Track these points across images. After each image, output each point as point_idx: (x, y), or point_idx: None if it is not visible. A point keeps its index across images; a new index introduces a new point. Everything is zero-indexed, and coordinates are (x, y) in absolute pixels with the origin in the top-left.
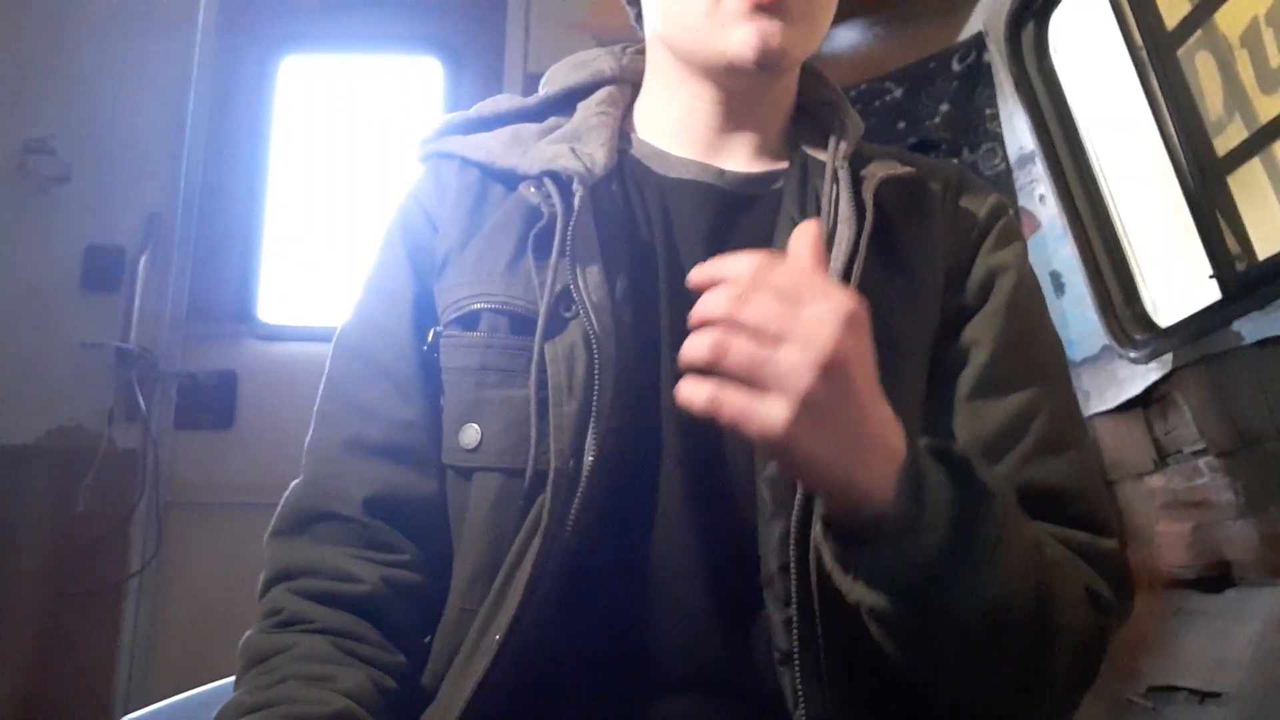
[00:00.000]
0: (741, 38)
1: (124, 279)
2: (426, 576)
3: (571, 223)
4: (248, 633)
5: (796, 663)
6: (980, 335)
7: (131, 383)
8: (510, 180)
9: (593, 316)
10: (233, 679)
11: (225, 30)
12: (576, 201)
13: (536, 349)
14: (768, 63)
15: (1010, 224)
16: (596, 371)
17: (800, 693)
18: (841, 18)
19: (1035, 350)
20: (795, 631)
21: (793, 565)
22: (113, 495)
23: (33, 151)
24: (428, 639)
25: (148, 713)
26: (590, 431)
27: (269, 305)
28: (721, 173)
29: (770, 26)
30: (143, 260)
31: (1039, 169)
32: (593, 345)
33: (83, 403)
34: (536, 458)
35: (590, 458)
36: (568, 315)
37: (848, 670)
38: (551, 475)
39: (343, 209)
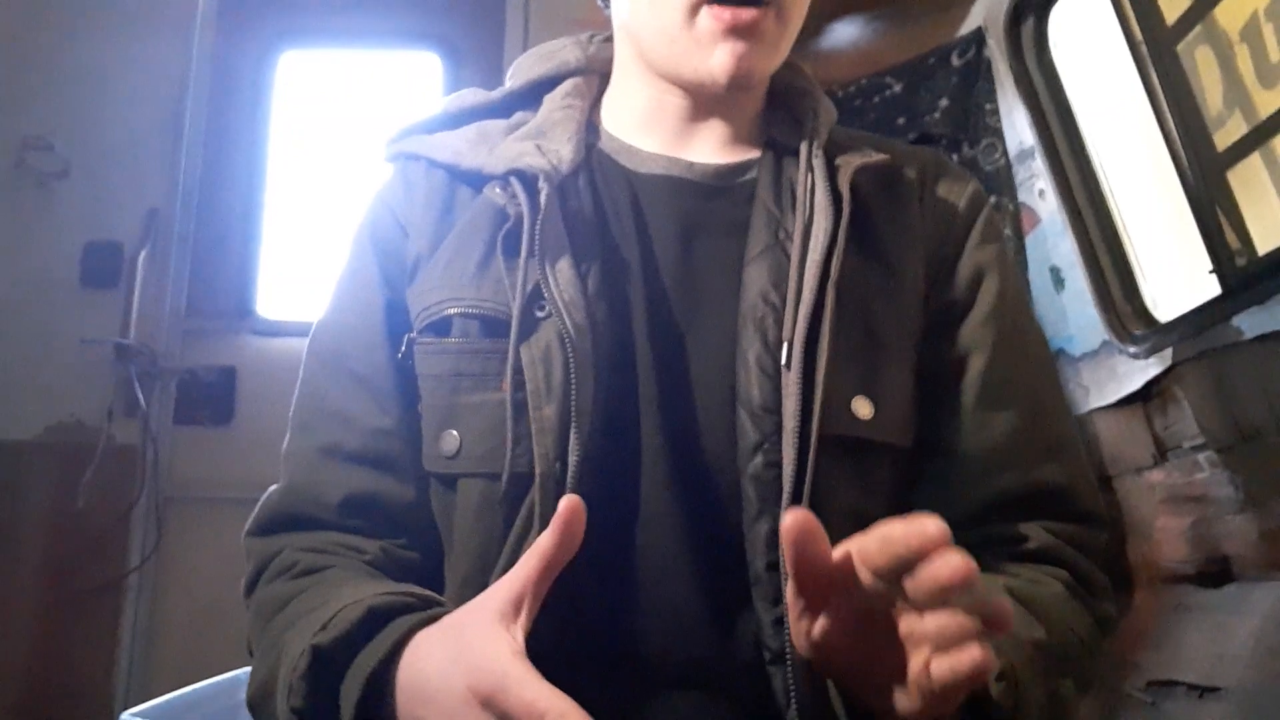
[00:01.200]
0: (716, 60)
1: (123, 275)
2: (422, 561)
3: (539, 221)
4: (258, 592)
5: (788, 662)
6: (975, 342)
7: (131, 378)
8: (477, 181)
9: (565, 315)
10: (232, 674)
11: (224, 26)
12: (543, 200)
13: (511, 351)
14: (738, 85)
15: (992, 217)
16: (573, 371)
17: (792, 692)
18: (841, 13)
19: (1028, 351)
20: (787, 631)
21: (782, 564)
22: (112, 491)
23: (31, 148)
24: None
25: (148, 707)
26: (573, 432)
27: (268, 301)
28: (691, 165)
29: (743, 48)
30: (142, 256)
31: (1039, 164)
32: (568, 344)
33: (82, 399)
34: (513, 460)
35: (575, 458)
36: (540, 315)
37: None
38: (538, 479)
39: (342, 205)
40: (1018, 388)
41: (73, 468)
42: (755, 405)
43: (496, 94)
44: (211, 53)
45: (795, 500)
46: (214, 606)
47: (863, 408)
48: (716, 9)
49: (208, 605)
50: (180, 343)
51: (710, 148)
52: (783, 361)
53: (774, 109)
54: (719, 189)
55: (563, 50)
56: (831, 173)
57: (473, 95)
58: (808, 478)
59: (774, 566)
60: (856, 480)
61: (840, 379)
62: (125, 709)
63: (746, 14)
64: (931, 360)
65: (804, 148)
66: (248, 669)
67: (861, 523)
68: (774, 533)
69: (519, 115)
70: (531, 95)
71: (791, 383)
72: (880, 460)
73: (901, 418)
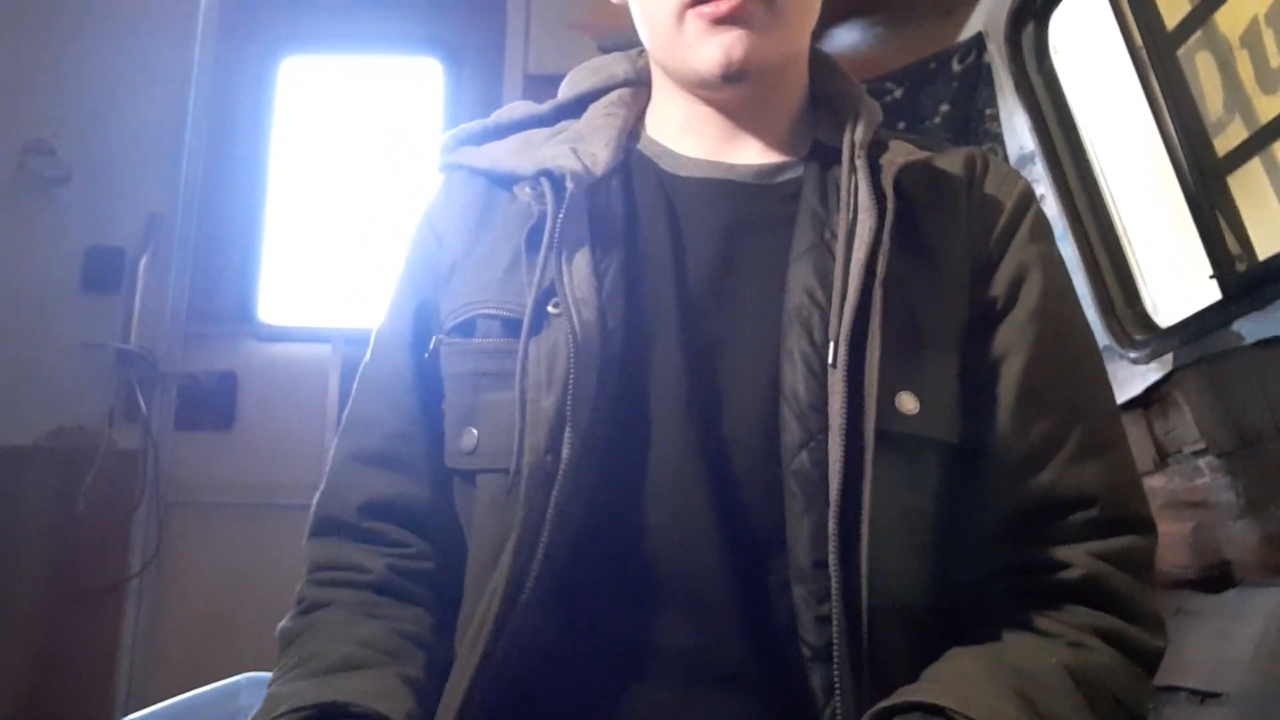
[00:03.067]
0: (706, 54)
1: (124, 280)
2: (437, 565)
3: (560, 217)
4: (281, 622)
5: (835, 661)
6: (1014, 343)
7: (132, 383)
8: (510, 183)
9: (574, 311)
10: (233, 679)
11: (225, 31)
12: (567, 197)
13: (522, 346)
14: (733, 75)
15: (1040, 216)
16: (573, 364)
17: (837, 690)
18: (841, 18)
19: (1070, 352)
20: (835, 629)
21: (832, 562)
22: (113, 496)
23: (33, 152)
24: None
25: (148, 713)
26: (568, 425)
27: (269, 306)
28: (732, 167)
29: (731, 38)
30: (143, 261)
31: (1039, 169)
32: (572, 340)
33: (83, 403)
34: (519, 455)
35: (567, 450)
36: (554, 312)
37: (887, 667)
38: (526, 470)
39: (343, 209)
40: (1057, 390)
41: (74, 472)
42: (802, 404)
43: (545, 106)
44: (213, 58)
45: (845, 497)
46: (215, 611)
47: (908, 403)
48: (697, 9)
49: (209, 610)
50: (181, 347)
51: (753, 151)
52: (829, 361)
53: (818, 111)
54: (761, 188)
55: (612, 64)
56: (875, 172)
57: (523, 107)
58: (867, 477)
59: (821, 564)
60: (905, 476)
61: (885, 375)
62: (126, 714)
63: (725, 3)
64: (973, 360)
65: (846, 148)
66: (249, 674)
67: (911, 520)
68: (820, 530)
69: (563, 124)
70: (578, 106)
71: (838, 381)
72: (928, 456)
73: (948, 413)
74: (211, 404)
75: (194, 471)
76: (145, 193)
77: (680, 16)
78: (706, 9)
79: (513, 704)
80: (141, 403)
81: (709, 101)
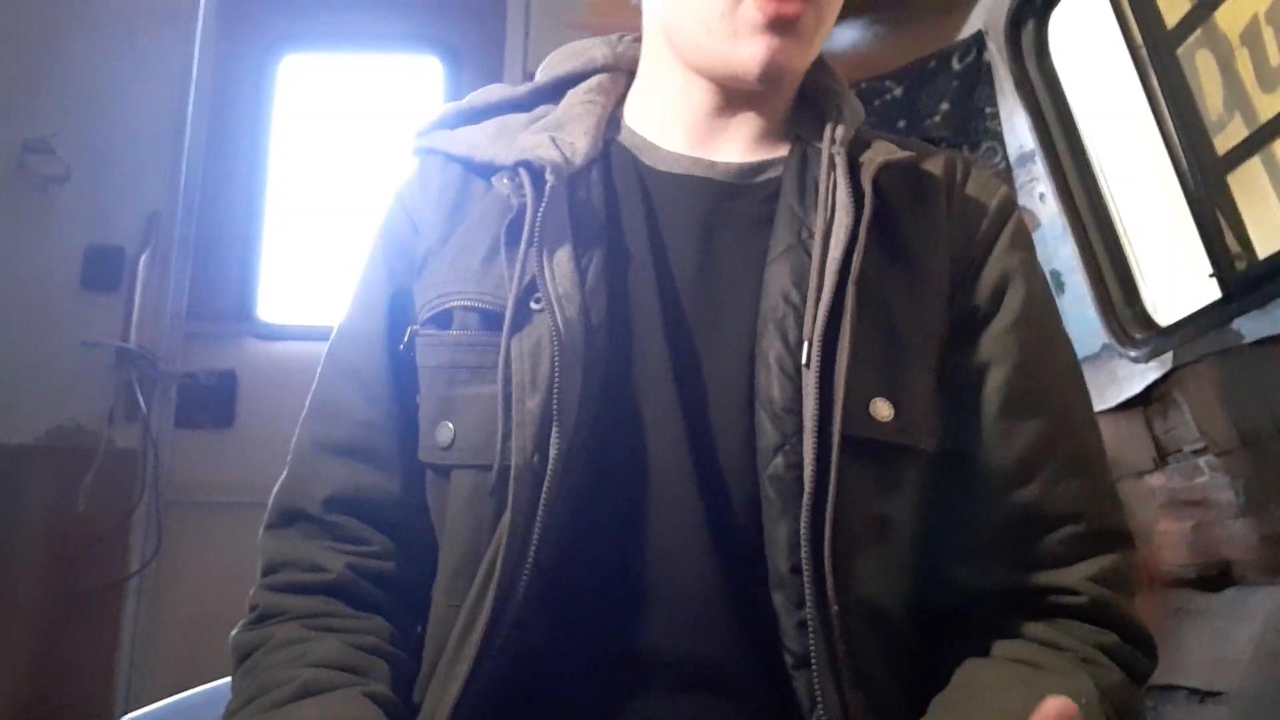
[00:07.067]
0: (751, 52)
1: (124, 278)
2: (399, 565)
3: (541, 211)
4: (234, 630)
5: (813, 667)
6: (999, 351)
7: (131, 382)
8: (489, 173)
9: (557, 308)
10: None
11: (225, 29)
12: (547, 190)
13: (503, 344)
14: (771, 79)
15: (1021, 223)
16: (557, 365)
17: (819, 698)
18: (841, 17)
19: (1054, 362)
20: (811, 635)
21: (805, 567)
22: (113, 495)
23: (32, 151)
24: (420, 629)
25: (147, 712)
26: (555, 427)
27: (269, 304)
28: (713, 164)
29: (780, 44)
30: (142, 259)
31: (1039, 168)
32: (556, 339)
33: (83, 402)
34: (503, 454)
35: (554, 452)
36: (536, 308)
37: (867, 675)
38: (513, 472)
39: (342, 208)
40: (1041, 400)
41: (73, 471)
42: (776, 406)
43: (522, 89)
44: (213, 56)
45: (816, 502)
46: (214, 610)
47: (882, 409)
48: (758, 1)
49: (208, 609)
50: (181, 346)
51: (735, 146)
52: (804, 361)
53: (801, 107)
54: (741, 187)
55: (592, 49)
56: (854, 170)
57: (499, 90)
58: (831, 480)
59: (797, 569)
60: (879, 484)
61: (859, 380)
62: (125, 713)
63: (790, 6)
64: (954, 367)
65: (826, 146)
66: None
67: (886, 528)
68: (796, 534)
69: (541, 109)
70: (556, 91)
71: (810, 383)
72: (903, 464)
73: (923, 420)
74: (211, 403)
75: (194, 471)
76: (145, 191)
77: (736, 4)
78: (770, 5)
79: (501, 711)
80: (141, 402)
81: (706, 87)
